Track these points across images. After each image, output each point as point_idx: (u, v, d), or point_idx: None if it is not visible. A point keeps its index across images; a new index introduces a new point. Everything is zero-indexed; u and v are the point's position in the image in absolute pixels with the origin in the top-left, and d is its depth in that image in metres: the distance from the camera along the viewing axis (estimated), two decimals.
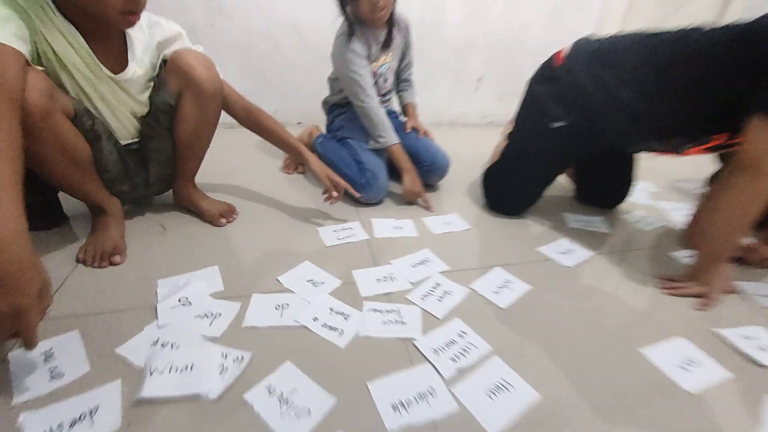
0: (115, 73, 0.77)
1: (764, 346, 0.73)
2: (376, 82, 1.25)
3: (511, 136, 1.13)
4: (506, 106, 2.20)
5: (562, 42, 1.09)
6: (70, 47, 0.71)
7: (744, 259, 0.97)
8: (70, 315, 0.69)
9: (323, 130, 1.39)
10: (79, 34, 0.71)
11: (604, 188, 1.22)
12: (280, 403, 0.56)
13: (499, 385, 0.61)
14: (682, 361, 0.69)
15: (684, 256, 1.01)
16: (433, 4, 1.78)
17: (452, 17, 1.84)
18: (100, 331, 0.66)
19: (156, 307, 0.71)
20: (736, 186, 0.75)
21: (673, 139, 0.92)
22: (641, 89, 0.87)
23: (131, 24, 0.71)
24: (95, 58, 0.74)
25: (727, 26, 0.79)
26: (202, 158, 0.99)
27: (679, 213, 1.24)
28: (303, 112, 1.83)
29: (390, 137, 1.16)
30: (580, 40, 0.99)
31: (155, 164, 0.93)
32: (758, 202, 0.73)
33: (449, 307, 0.78)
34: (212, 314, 0.71)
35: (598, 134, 0.96)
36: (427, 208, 1.16)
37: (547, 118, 1.00)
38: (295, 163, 1.37)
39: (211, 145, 1.12)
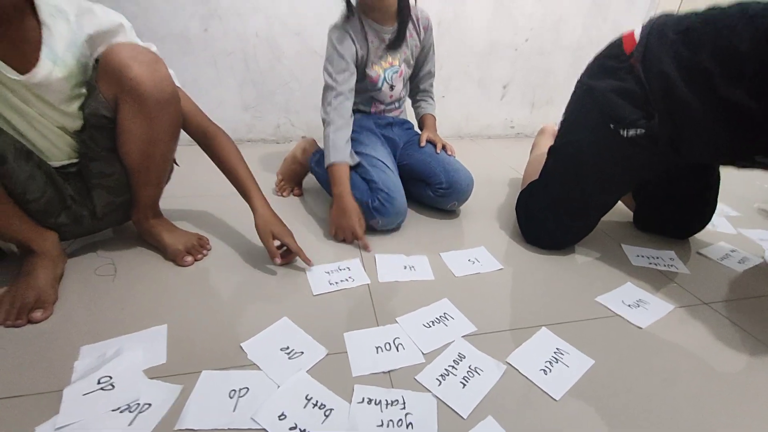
0: (22, 74, 0.59)
1: None
2: (378, 88, 1.05)
3: (557, 149, 0.88)
4: (537, 115, 1.96)
5: (602, 40, 0.84)
6: None
7: None
8: None
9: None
10: None
11: (677, 213, 0.95)
12: None
13: None
14: None
15: None
16: (453, 1, 1.58)
17: (475, 16, 1.63)
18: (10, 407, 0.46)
19: (66, 388, 0.51)
20: None
21: None
22: (758, 84, 0.61)
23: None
24: None
25: None
26: (161, 183, 0.80)
27: None
28: (308, 125, 1.65)
29: (331, 157, 0.93)
30: (657, 17, 0.74)
31: (102, 191, 0.74)
32: None
33: (478, 396, 0.54)
34: (138, 405, 0.50)
35: (685, 145, 0.71)
36: (364, 247, 0.89)
37: (615, 122, 0.75)
38: (291, 184, 1.17)
39: (185, 161, 0.95)
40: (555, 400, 0.54)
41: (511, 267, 0.85)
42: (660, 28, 0.71)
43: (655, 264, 0.87)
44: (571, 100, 0.86)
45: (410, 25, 1.03)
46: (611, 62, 0.78)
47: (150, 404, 0.50)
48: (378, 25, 0.98)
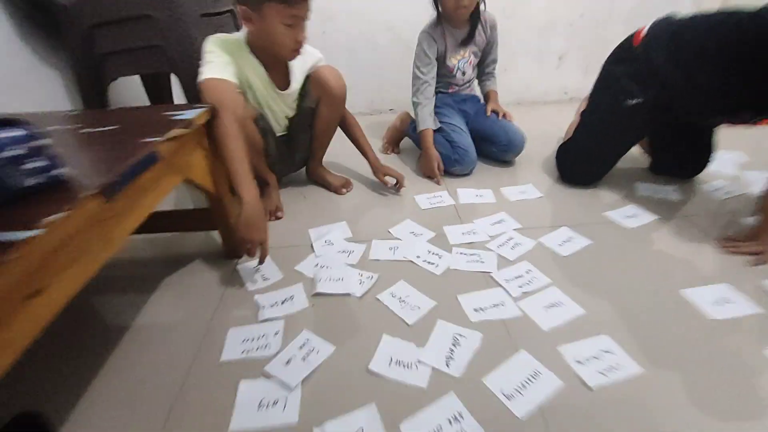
0: (282, 91, 1.13)
1: None
2: (453, 75, 1.47)
3: (585, 114, 1.27)
4: (590, 80, 2.21)
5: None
6: (256, 77, 1.08)
7: None
8: None
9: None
10: (262, 67, 1.07)
11: (682, 159, 1.28)
12: (399, 302, 0.87)
13: (553, 303, 0.84)
14: (717, 299, 0.83)
15: (754, 221, 1.07)
16: None
17: (534, 1, 1.93)
18: (284, 257, 1.03)
19: (312, 245, 1.08)
20: None
21: (746, 112, 0.99)
22: (718, 70, 0.95)
23: (294, 57, 1.05)
24: (271, 82, 1.10)
25: None
26: (328, 145, 1.33)
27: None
28: (394, 100, 2.11)
29: (420, 125, 1.40)
30: (658, 20, 1.08)
31: (299, 150, 1.30)
32: None
33: (519, 253, 1.01)
34: (348, 250, 1.05)
35: (675, 110, 1.07)
36: (437, 182, 1.37)
37: (623, 96, 1.12)
38: (392, 145, 1.67)
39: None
40: (564, 257, 0.99)
41: (549, 196, 1.27)
42: (657, 29, 1.06)
43: (656, 193, 1.24)
44: (597, 79, 1.23)
45: (479, 26, 1.42)
46: (624, 52, 1.13)
47: (353, 250, 1.05)
48: (454, 29, 1.39)
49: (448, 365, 0.73)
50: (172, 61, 1.08)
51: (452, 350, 0.76)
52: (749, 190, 1.23)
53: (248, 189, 0.88)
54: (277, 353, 0.77)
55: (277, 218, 1.21)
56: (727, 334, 0.77)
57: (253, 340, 0.81)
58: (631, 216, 1.13)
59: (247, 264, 1.01)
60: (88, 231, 0.50)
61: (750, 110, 0.97)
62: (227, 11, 1.29)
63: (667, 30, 1.05)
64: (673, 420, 0.63)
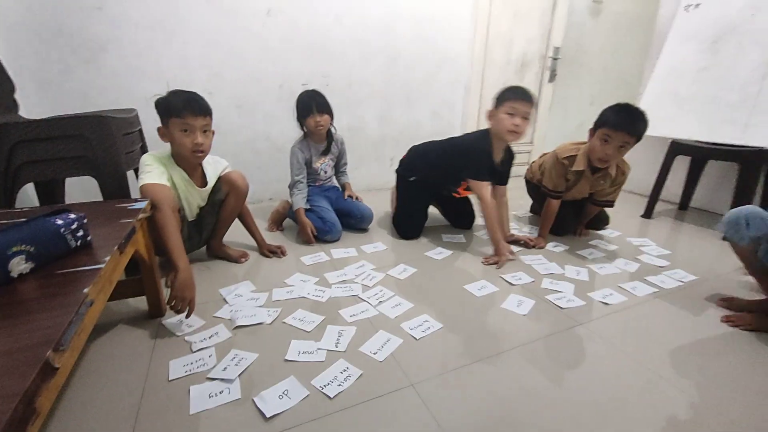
0: (200, 188, 1.52)
1: (520, 278, 1.59)
2: (318, 174, 2.09)
3: (396, 193, 2.04)
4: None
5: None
6: (180, 179, 1.45)
7: (526, 244, 1.88)
8: None
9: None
10: (184, 172, 1.46)
11: (459, 218, 2.13)
12: (299, 321, 1.27)
13: (396, 304, 1.38)
14: (480, 287, 1.51)
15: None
16: (356, 116, 2.75)
17: (370, 123, 2.82)
18: (204, 308, 1.32)
19: (224, 299, 1.40)
20: (482, 205, 1.67)
21: (449, 185, 1.87)
22: (434, 165, 1.84)
23: (199, 158, 1.47)
24: (191, 182, 1.48)
25: (461, 135, 1.78)
26: (229, 227, 1.71)
27: None
28: (274, 192, 2.61)
29: (296, 206, 1.94)
30: (414, 145, 1.97)
31: (206, 229, 1.64)
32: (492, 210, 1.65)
33: (375, 282, 1.54)
34: (255, 297, 1.41)
35: (430, 184, 1.89)
36: (311, 243, 1.96)
37: (407, 176, 1.94)
38: (275, 225, 2.12)
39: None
40: (402, 279, 1.57)
41: (391, 247, 1.89)
42: (413, 148, 1.92)
43: (453, 239, 2.00)
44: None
45: (333, 142, 2.11)
46: (405, 156, 1.95)
47: (258, 298, 1.41)
48: (316, 143, 2.04)
49: (336, 346, 1.16)
50: (97, 168, 1.37)
51: (338, 339, 1.19)
52: None
53: (183, 259, 1.21)
54: (214, 366, 1.07)
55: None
56: (484, 302, 1.43)
57: (192, 363, 1.09)
58: (439, 253, 1.83)
59: (171, 319, 1.27)
60: (114, 268, 0.81)
61: (450, 185, 1.87)
62: (137, 131, 1.66)
63: (417, 149, 1.95)
64: (456, 344, 1.19)
